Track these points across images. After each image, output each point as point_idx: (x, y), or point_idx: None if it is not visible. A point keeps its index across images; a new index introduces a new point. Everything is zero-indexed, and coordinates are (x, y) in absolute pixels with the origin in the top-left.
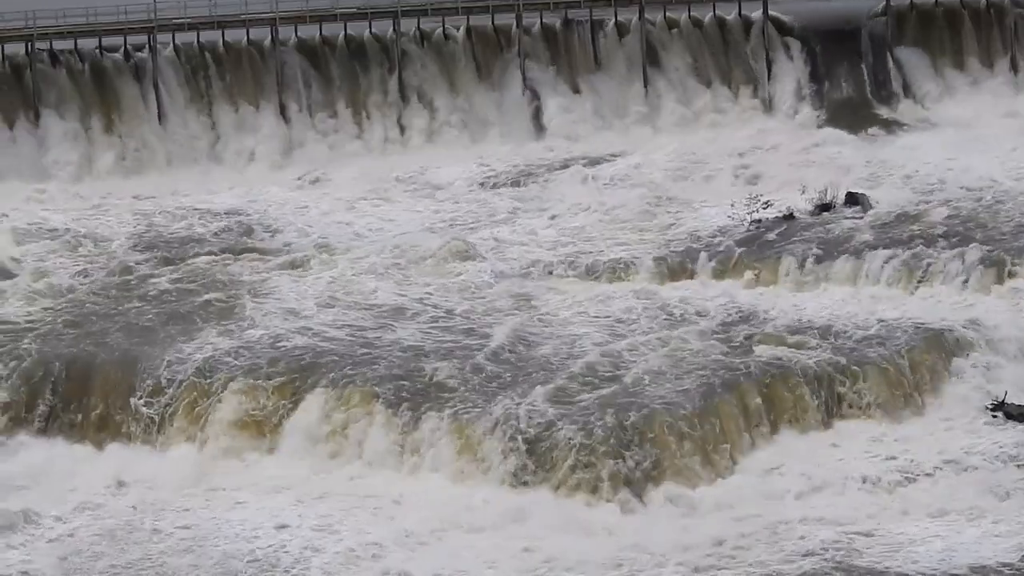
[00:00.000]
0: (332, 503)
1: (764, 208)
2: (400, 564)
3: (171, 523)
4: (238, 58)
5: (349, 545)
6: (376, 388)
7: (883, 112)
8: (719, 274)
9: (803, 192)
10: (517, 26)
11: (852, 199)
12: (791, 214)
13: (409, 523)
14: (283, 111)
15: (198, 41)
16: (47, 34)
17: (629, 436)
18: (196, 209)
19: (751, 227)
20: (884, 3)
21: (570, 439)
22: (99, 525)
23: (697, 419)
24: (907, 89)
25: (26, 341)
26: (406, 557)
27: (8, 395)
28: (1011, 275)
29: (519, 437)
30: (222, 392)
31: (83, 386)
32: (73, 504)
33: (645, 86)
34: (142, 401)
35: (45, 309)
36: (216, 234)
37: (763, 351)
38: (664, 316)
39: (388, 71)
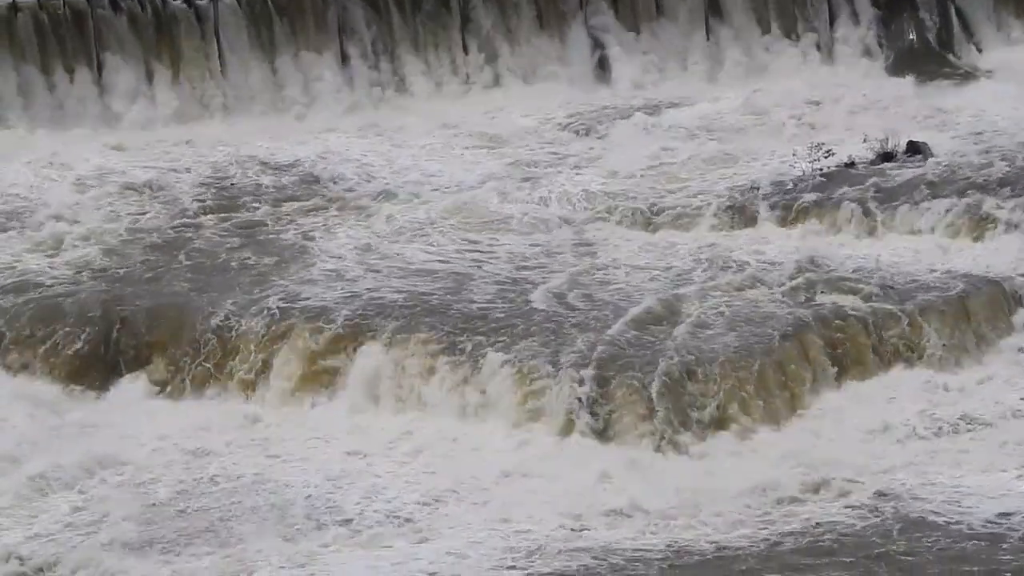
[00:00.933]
0: (392, 451)
1: (826, 157)
2: (462, 512)
3: (232, 471)
4: (300, 5)
5: (409, 493)
6: (436, 336)
7: (945, 61)
8: (780, 223)
9: (864, 141)
10: None
11: (914, 148)
12: (852, 163)
13: (470, 471)
14: (345, 60)
15: None
16: None
17: (691, 383)
18: (257, 158)
19: (812, 176)
20: None
21: (631, 386)
22: (164, 472)
23: (758, 367)
24: (969, 38)
25: (88, 289)
26: (468, 505)
27: (69, 344)
28: None
29: (580, 384)
30: (282, 341)
31: (145, 334)
32: (137, 452)
33: (707, 35)
34: (202, 349)
35: (106, 257)
36: (276, 183)
37: (824, 299)
38: (725, 265)
39: (450, 19)
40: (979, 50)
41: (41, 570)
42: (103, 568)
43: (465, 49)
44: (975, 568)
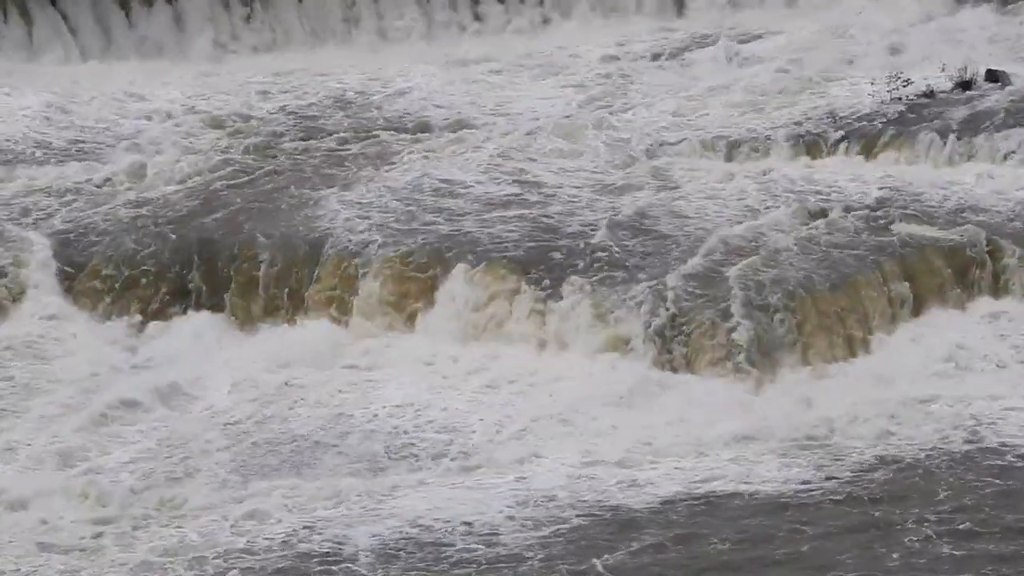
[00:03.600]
0: (473, 381)
1: (904, 86)
2: (541, 443)
3: (315, 401)
4: None
5: (490, 424)
6: (515, 267)
7: None
8: (858, 152)
9: (943, 69)
10: None
11: (992, 76)
12: (931, 92)
13: (550, 402)
14: None
15: None
16: None
17: (766, 314)
18: (334, 90)
19: (890, 105)
20: None
21: (709, 318)
22: (248, 401)
23: (835, 297)
24: None
25: (166, 220)
26: (548, 436)
27: (145, 276)
28: None
29: (658, 317)
30: (362, 270)
31: (222, 266)
32: (215, 384)
33: None
34: (281, 281)
35: (183, 189)
36: (353, 116)
37: (902, 229)
38: (801, 195)
39: None
40: None
41: (119, 503)
42: (183, 500)
43: None
44: None
